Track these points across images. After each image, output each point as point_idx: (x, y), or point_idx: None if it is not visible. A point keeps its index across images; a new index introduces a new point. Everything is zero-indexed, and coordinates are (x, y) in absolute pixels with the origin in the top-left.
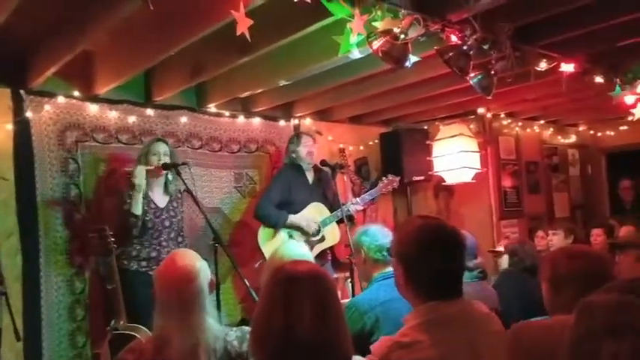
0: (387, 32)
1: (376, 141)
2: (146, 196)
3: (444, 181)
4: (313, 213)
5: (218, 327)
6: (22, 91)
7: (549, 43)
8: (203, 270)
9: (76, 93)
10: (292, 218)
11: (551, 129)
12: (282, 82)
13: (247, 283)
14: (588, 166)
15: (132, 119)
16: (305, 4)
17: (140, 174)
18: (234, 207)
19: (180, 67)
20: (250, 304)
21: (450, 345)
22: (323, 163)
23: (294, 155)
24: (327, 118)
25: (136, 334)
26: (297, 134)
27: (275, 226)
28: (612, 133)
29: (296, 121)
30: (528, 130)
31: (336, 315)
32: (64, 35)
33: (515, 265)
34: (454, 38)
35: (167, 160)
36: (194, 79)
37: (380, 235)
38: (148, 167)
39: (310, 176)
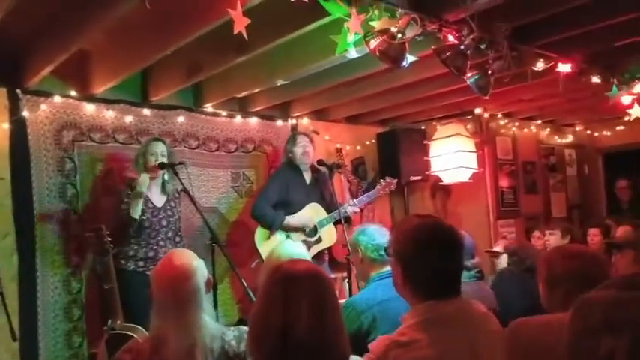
0: (384, 32)
1: (373, 141)
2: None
3: (441, 181)
4: (310, 214)
5: (215, 326)
6: (18, 91)
7: (546, 43)
8: (200, 269)
9: (73, 92)
10: (288, 220)
11: (548, 129)
12: (280, 82)
13: (244, 282)
14: (585, 166)
15: (129, 119)
16: (302, 4)
17: (144, 182)
18: (231, 207)
19: (177, 67)
20: (247, 304)
21: (449, 344)
22: (320, 162)
23: (290, 155)
24: (324, 118)
25: (133, 334)
26: (294, 134)
27: (271, 227)
28: (609, 133)
29: (293, 121)
30: (525, 130)
31: (334, 314)
32: (60, 34)
33: (516, 265)
34: (451, 38)
35: (165, 160)
36: (191, 79)
37: (377, 234)
38: (152, 175)
39: (307, 176)
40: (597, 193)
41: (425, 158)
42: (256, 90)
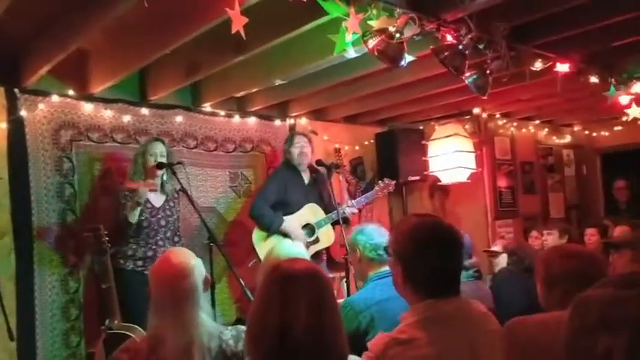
0: (382, 31)
1: (372, 141)
2: None
3: (440, 181)
4: (308, 214)
5: (213, 325)
6: (16, 90)
7: (544, 43)
8: (198, 267)
9: (71, 92)
10: (285, 226)
11: (547, 129)
12: (278, 82)
13: (242, 282)
14: (583, 167)
15: (127, 118)
16: (300, 3)
17: (144, 195)
18: (230, 206)
19: (175, 66)
20: (245, 304)
21: (448, 343)
22: (318, 162)
23: (287, 156)
24: (322, 118)
25: (131, 334)
26: (291, 134)
27: (269, 228)
28: (607, 134)
29: (291, 121)
30: (523, 130)
31: (332, 313)
32: (58, 34)
33: (515, 265)
34: (449, 38)
35: (164, 160)
36: (189, 78)
37: (376, 234)
38: (150, 188)
39: (306, 176)
40: (595, 193)
41: (423, 158)
42: (254, 90)
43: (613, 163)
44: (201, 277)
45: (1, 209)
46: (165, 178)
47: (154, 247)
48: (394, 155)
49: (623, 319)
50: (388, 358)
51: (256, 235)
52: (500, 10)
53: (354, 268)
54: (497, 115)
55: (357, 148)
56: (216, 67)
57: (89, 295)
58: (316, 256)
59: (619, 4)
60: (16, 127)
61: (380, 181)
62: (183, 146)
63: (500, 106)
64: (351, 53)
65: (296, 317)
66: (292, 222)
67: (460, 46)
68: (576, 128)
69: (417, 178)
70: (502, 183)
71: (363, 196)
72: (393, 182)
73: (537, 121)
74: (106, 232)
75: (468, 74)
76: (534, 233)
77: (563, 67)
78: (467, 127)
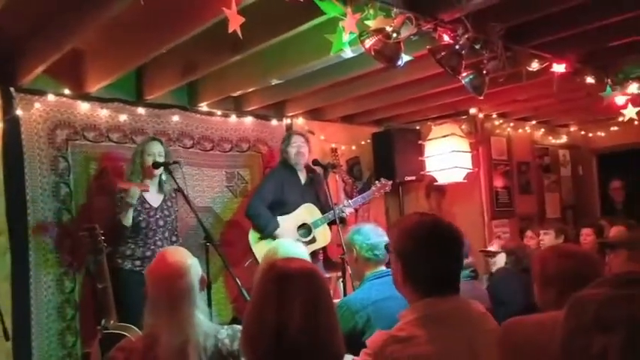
0: (379, 31)
1: (368, 141)
2: (140, 197)
3: (436, 181)
4: (305, 214)
5: (209, 324)
6: (11, 89)
7: (541, 44)
8: (194, 267)
9: (67, 91)
10: (280, 231)
11: (543, 129)
12: (274, 81)
13: (239, 282)
14: (579, 167)
15: (123, 118)
16: (297, 3)
17: (134, 195)
18: (226, 206)
19: (171, 66)
20: (242, 304)
21: (448, 342)
22: (315, 162)
23: (284, 155)
24: (319, 118)
25: (127, 334)
26: (288, 134)
27: (264, 230)
28: (603, 134)
29: (288, 121)
30: (520, 130)
31: (328, 313)
32: (53, 33)
33: (513, 265)
34: (446, 38)
35: (162, 160)
36: (185, 78)
37: (372, 234)
38: (143, 187)
39: (303, 176)
40: (591, 193)
41: (420, 158)
42: (251, 89)
43: (609, 163)
44: (198, 277)
45: None
46: (164, 177)
47: (152, 246)
48: (391, 155)
49: (618, 318)
50: (386, 355)
51: (253, 235)
52: (497, 11)
53: (350, 268)
54: (494, 116)
55: (353, 147)
56: (213, 67)
57: (85, 295)
58: (313, 255)
59: (615, 4)
60: (12, 127)
61: (376, 181)
62: (179, 146)
63: (497, 106)
64: (348, 53)
65: (292, 317)
66: (288, 224)
67: (457, 46)
68: (572, 129)
69: (414, 178)
70: (498, 183)
71: (360, 196)
72: (390, 182)
73: (534, 122)
74: (101, 232)
75: (464, 74)
76: (529, 233)
77: (559, 68)
78: (463, 127)
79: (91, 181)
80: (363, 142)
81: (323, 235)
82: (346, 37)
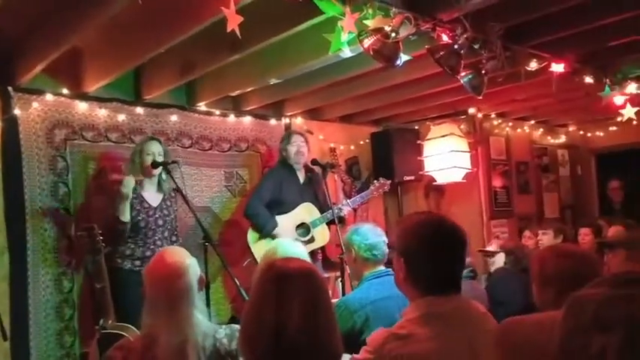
0: (378, 30)
1: (367, 140)
2: (138, 196)
3: (435, 181)
4: (303, 213)
5: (207, 324)
6: (9, 88)
7: (539, 43)
8: (192, 266)
9: (65, 90)
10: (278, 231)
11: (541, 129)
12: (273, 81)
13: (237, 282)
14: (578, 167)
15: (121, 117)
16: (296, 2)
17: (129, 184)
18: (225, 206)
19: (170, 65)
20: (240, 304)
21: (448, 340)
22: (314, 162)
23: (284, 154)
24: (318, 117)
25: (125, 334)
26: (289, 133)
27: (262, 229)
28: (602, 134)
29: (287, 120)
30: (518, 130)
31: (327, 313)
32: (52, 32)
33: (512, 265)
34: (445, 37)
35: (162, 159)
36: (184, 77)
37: (371, 234)
38: (137, 178)
39: (301, 176)
40: (590, 193)
41: (418, 158)
42: (250, 89)
43: (607, 163)
44: (196, 277)
45: None
46: (164, 177)
47: (151, 246)
48: (389, 155)
49: (616, 318)
50: (386, 352)
51: (251, 234)
52: (496, 10)
53: (349, 268)
54: (493, 115)
55: (352, 147)
56: (211, 66)
57: (83, 295)
58: (312, 255)
59: (614, 4)
60: (10, 126)
61: (375, 181)
62: (178, 145)
63: (496, 106)
64: (347, 53)
65: (290, 317)
66: (286, 223)
67: (455, 46)
68: (571, 128)
69: (413, 177)
70: (497, 183)
71: (358, 195)
72: (389, 182)
73: (532, 122)
74: (100, 232)
75: (463, 74)
76: (527, 233)
77: (558, 68)
78: (462, 127)
79: (90, 180)
80: (361, 142)
81: (322, 235)
82: (345, 37)
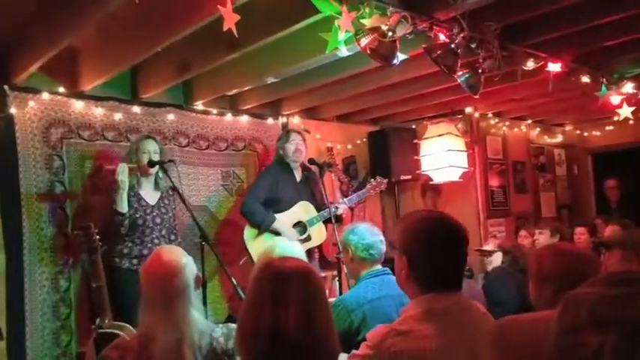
0: (374, 30)
1: (364, 140)
2: (136, 194)
3: (432, 180)
4: (300, 212)
5: (204, 322)
6: (5, 87)
7: (536, 43)
8: (189, 265)
9: (61, 89)
10: (276, 225)
11: (538, 129)
12: (270, 80)
13: (234, 281)
14: (575, 166)
15: (118, 116)
16: (293, 1)
17: (123, 172)
18: (221, 205)
19: (167, 64)
20: (237, 303)
21: (448, 337)
22: (311, 161)
23: (281, 152)
24: (315, 117)
25: (121, 333)
26: (287, 131)
27: (260, 226)
28: (598, 133)
29: (284, 119)
30: (515, 129)
31: (324, 312)
32: (48, 30)
33: (510, 264)
34: (442, 36)
35: (157, 157)
36: (181, 76)
37: (367, 233)
38: (131, 165)
39: (298, 174)
40: (586, 192)
41: (415, 157)
42: (246, 88)
43: (604, 162)
44: (193, 275)
45: None
46: (160, 175)
47: (149, 245)
48: (386, 154)
49: (612, 317)
50: (386, 347)
51: (248, 232)
52: (493, 10)
53: (346, 267)
54: (490, 115)
55: (349, 147)
56: (208, 65)
57: (80, 294)
58: (309, 254)
59: (611, 4)
60: (6, 125)
61: (372, 179)
62: (174, 144)
63: (492, 105)
64: (344, 52)
65: (287, 316)
66: (284, 220)
67: (452, 45)
68: (568, 128)
69: (410, 177)
70: (494, 182)
71: (355, 194)
72: (385, 180)
73: (529, 121)
74: (96, 231)
75: (460, 73)
76: (523, 232)
77: (554, 67)
78: (459, 126)
79: (86, 179)
80: (358, 141)
81: (318, 233)
82: (342, 36)
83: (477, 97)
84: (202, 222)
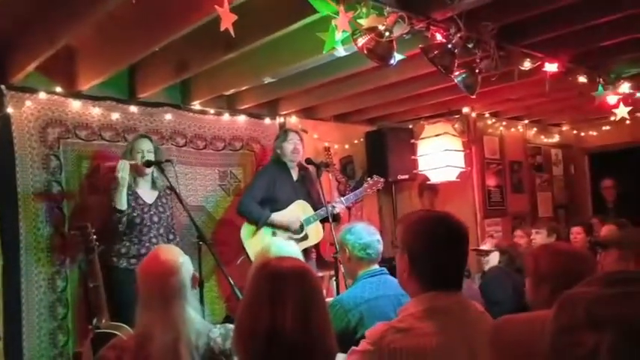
0: (371, 30)
1: (361, 139)
2: (133, 193)
3: (429, 180)
4: (297, 211)
5: (202, 322)
6: (2, 87)
7: (533, 43)
8: (185, 264)
9: (58, 89)
10: (274, 217)
11: (535, 129)
12: (267, 80)
13: (231, 281)
14: (571, 166)
15: (115, 116)
16: (290, 1)
17: (124, 168)
18: (218, 205)
19: (164, 64)
20: (234, 302)
21: (447, 336)
22: (308, 161)
23: (279, 151)
24: (312, 116)
25: (118, 333)
26: (285, 130)
27: (257, 223)
28: (595, 133)
29: (281, 119)
30: (512, 129)
31: (321, 312)
32: (45, 30)
33: (506, 263)
34: (439, 37)
35: (151, 157)
36: (178, 76)
37: (364, 233)
38: (131, 162)
39: (295, 174)
40: (583, 192)
41: (412, 157)
42: (244, 88)
43: (601, 162)
44: (189, 275)
45: None
46: (156, 174)
47: (147, 244)
48: (384, 154)
49: (609, 317)
50: (385, 344)
51: (245, 230)
52: (489, 10)
53: (343, 267)
54: (486, 115)
55: (346, 146)
56: (206, 65)
57: (77, 294)
58: (305, 253)
59: (607, 4)
60: (3, 125)
61: (369, 178)
62: (172, 144)
63: (489, 105)
64: (341, 52)
65: (284, 316)
66: (281, 213)
67: (449, 45)
68: (564, 128)
69: (407, 177)
70: (491, 182)
71: (352, 193)
72: (382, 180)
73: (526, 121)
74: (93, 231)
75: (457, 73)
76: (519, 232)
77: (551, 67)
78: (456, 126)
79: (83, 179)
80: (356, 141)
81: (315, 232)
82: (339, 36)
83: (474, 97)
84: (200, 222)
